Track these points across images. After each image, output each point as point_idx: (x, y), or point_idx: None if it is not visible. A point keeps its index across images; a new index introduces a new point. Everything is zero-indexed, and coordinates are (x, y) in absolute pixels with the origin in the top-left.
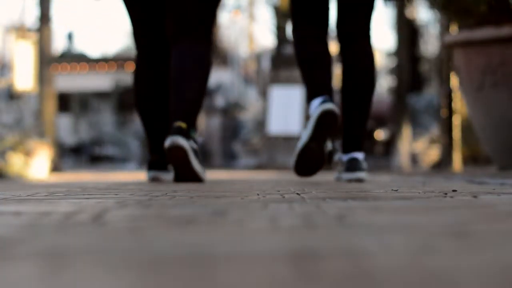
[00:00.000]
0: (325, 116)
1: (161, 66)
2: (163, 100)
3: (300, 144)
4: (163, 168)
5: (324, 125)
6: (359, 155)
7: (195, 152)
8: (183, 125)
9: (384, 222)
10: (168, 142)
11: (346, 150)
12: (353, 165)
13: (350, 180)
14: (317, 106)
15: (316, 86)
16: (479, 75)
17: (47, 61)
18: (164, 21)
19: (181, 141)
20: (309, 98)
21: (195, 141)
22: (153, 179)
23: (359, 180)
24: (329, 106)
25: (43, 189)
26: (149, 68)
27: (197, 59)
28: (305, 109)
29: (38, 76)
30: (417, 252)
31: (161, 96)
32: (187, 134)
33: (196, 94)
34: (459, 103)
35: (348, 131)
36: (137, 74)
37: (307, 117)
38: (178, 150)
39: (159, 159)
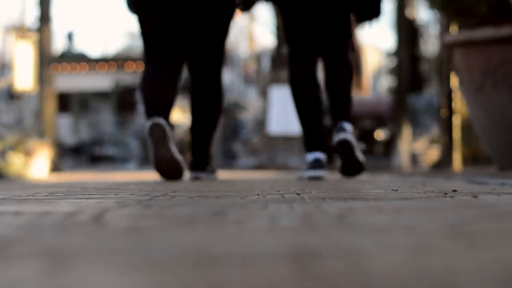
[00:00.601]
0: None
1: (169, 69)
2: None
3: None
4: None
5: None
6: (348, 126)
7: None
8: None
9: (384, 222)
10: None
11: (336, 118)
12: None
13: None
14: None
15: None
16: (479, 75)
17: (47, 61)
18: (174, 31)
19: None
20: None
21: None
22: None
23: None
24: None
25: (43, 189)
26: (159, 68)
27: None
28: None
29: (38, 76)
30: (417, 252)
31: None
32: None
33: None
34: (459, 103)
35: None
36: (146, 73)
37: None
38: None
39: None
